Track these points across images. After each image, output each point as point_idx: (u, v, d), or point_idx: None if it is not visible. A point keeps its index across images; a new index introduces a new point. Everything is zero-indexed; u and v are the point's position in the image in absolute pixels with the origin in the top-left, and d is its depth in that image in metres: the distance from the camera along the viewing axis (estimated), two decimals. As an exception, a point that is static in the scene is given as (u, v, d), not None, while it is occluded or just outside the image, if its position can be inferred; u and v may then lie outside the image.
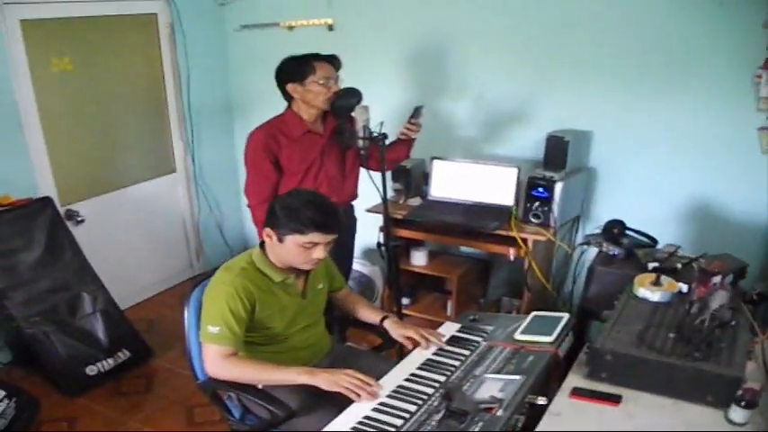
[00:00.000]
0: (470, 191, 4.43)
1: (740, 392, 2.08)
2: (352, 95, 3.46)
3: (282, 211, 2.59)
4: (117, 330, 4.38)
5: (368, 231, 4.23)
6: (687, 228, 4.18)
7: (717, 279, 2.71)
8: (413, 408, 2.28)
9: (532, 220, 4.13)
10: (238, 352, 2.58)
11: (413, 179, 4.64)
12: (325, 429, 2.22)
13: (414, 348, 2.80)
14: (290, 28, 5.13)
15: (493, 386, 2.32)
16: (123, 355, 4.35)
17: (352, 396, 2.36)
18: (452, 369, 2.56)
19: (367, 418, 2.25)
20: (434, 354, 2.72)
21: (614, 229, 3.67)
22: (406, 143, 3.79)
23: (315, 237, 2.57)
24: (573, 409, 2.23)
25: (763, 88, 3.74)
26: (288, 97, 3.58)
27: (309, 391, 2.52)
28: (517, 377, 2.35)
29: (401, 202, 4.62)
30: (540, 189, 4.07)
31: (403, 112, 3.90)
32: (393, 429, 2.17)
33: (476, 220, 4.22)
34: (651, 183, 4.25)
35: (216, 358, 2.55)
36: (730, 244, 3.57)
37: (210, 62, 5.57)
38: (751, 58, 3.74)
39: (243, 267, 2.67)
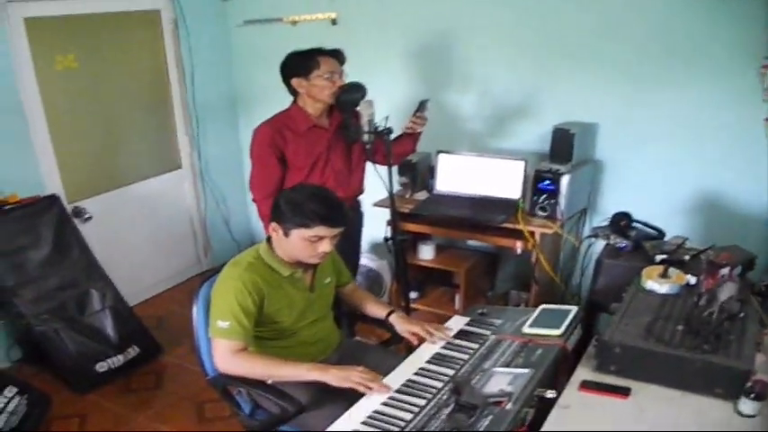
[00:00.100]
0: (477, 184, 4.43)
1: (750, 384, 2.08)
2: (357, 90, 3.45)
3: (287, 206, 2.59)
4: (126, 327, 4.40)
5: (375, 226, 4.23)
6: (694, 220, 4.17)
7: (725, 271, 2.70)
8: (422, 402, 2.29)
9: (539, 213, 4.12)
10: (248, 347, 2.58)
11: (419, 173, 4.64)
12: (334, 424, 2.23)
13: (419, 344, 2.81)
14: (294, 23, 5.13)
15: (502, 380, 2.32)
16: (133, 351, 4.37)
17: (363, 390, 2.37)
18: (461, 363, 2.57)
19: (377, 412, 2.26)
20: (443, 347, 2.72)
21: (621, 222, 3.67)
22: (411, 137, 3.78)
23: (320, 230, 2.57)
24: (582, 402, 2.23)
25: (770, 79, 3.73)
26: (293, 92, 3.58)
27: (319, 387, 2.52)
28: (526, 370, 2.36)
29: (408, 196, 4.63)
30: (547, 182, 4.06)
31: (408, 106, 3.89)
32: (403, 423, 2.18)
33: (482, 213, 4.22)
34: (657, 175, 4.24)
35: (226, 353, 2.55)
36: (738, 235, 3.56)
37: (214, 58, 5.58)
38: (757, 48, 3.71)
39: (250, 262, 2.67)
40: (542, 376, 2.33)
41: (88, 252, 4.43)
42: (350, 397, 2.38)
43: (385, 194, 3.65)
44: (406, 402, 2.30)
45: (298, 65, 3.49)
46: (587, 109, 4.31)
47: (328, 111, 3.63)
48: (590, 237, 3.99)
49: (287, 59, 3.55)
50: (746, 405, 2.09)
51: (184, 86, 5.37)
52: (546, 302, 3.03)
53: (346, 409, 2.31)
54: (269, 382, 2.61)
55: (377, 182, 3.60)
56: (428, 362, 2.60)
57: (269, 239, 2.75)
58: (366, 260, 5.05)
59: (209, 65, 5.51)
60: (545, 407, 2.22)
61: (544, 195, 4.09)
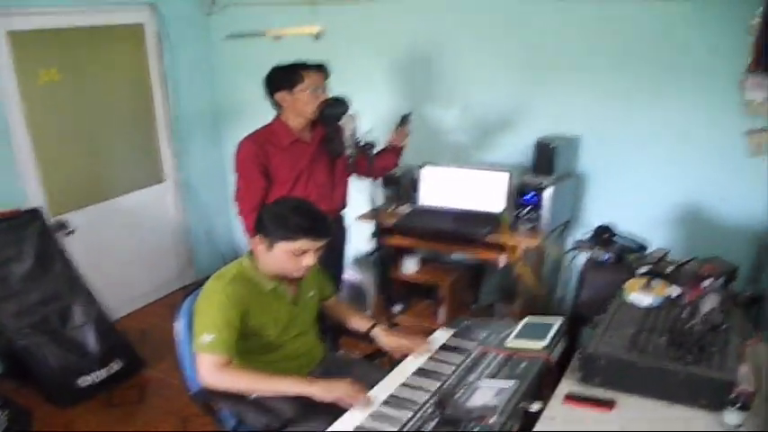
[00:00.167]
0: (460, 198, 4.44)
1: (734, 395, 2.09)
2: (340, 104, 3.47)
3: (271, 219, 2.59)
4: (109, 341, 4.37)
5: (359, 239, 4.23)
6: (676, 232, 4.19)
7: (707, 282, 2.72)
8: (407, 415, 2.28)
9: (522, 225, 4.14)
10: (233, 361, 2.57)
11: (402, 186, 4.65)
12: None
13: (402, 357, 2.80)
14: (277, 37, 5.12)
15: (486, 392, 2.32)
16: (115, 365, 4.33)
17: (348, 404, 2.36)
18: (446, 376, 2.56)
19: (361, 426, 2.26)
20: (428, 361, 2.71)
21: (604, 235, 3.69)
22: (394, 151, 3.80)
23: (304, 243, 2.57)
24: (567, 415, 2.24)
25: (749, 92, 3.76)
26: (277, 106, 3.58)
27: (304, 401, 2.51)
28: (511, 383, 2.36)
29: (391, 209, 4.63)
30: (530, 195, 4.08)
31: (391, 120, 3.91)
32: (388, 437, 2.17)
33: (466, 226, 4.23)
34: (640, 187, 4.27)
35: (211, 367, 2.54)
36: (720, 247, 3.58)
37: (198, 72, 5.57)
38: (736, 62, 3.76)
39: (234, 276, 2.67)
40: (527, 389, 2.33)
41: (71, 265, 4.40)
42: (335, 411, 2.37)
43: (368, 208, 3.65)
44: (390, 416, 2.29)
45: (282, 79, 3.50)
46: (570, 122, 4.34)
47: (311, 125, 3.63)
48: (573, 249, 4.01)
49: (271, 73, 3.56)
50: (731, 416, 2.10)
51: (168, 100, 5.36)
52: (530, 315, 3.04)
53: (331, 423, 2.30)
54: (253, 396, 2.60)
55: (360, 196, 3.61)
56: (413, 375, 2.60)
57: (252, 253, 2.74)
58: (350, 274, 5.04)
59: (193, 79, 5.51)
60: (530, 420, 2.22)
61: (527, 208, 4.11)
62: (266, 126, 3.63)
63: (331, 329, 3.23)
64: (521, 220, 4.14)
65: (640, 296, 2.76)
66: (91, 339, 4.28)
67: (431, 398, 2.39)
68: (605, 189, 4.40)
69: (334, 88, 3.59)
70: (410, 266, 4.72)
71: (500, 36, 4.40)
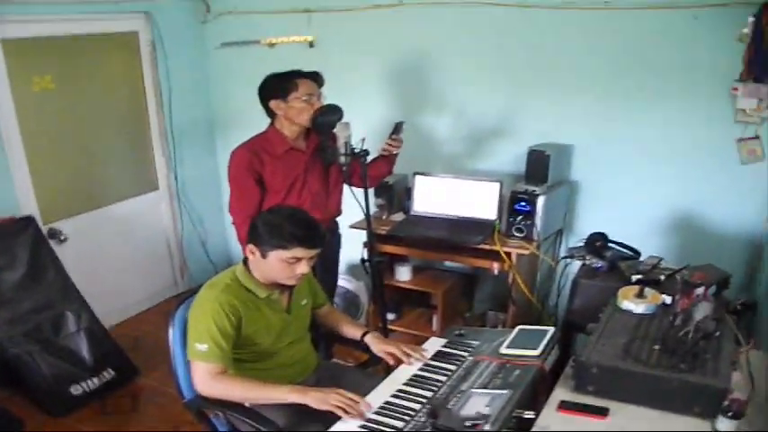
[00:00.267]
0: (453, 206, 4.44)
1: (727, 403, 2.09)
2: (334, 112, 3.47)
3: (265, 227, 2.59)
4: (101, 349, 4.36)
5: (352, 247, 4.22)
6: (669, 239, 4.21)
7: (700, 290, 2.72)
8: (399, 424, 2.28)
9: (515, 233, 4.14)
10: (227, 369, 2.57)
11: (396, 194, 4.65)
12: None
13: (395, 364, 2.80)
14: (271, 45, 5.14)
15: (479, 401, 2.32)
16: (108, 374, 4.32)
17: (341, 414, 2.35)
18: (439, 384, 2.56)
19: (355, 435, 2.26)
20: (421, 369, 2.71)
21: (597, 242, 3.70)
22: (387, 159, 3.80)
23: (298, 252, 2.57)
24: (560, 423, 2.23)
25: (740, 100, 3.78)
26: (271, 114, 3.58)
27: (296, 409, 2.51)
28: (504, 392, 2.36)
29: (384, 217, 4.63)
30: (523, 203, 4.09)
31: (384, 128, 3.91)
32: (381, 446, 2.17)
33: (459, 234, 4.23)
34: (633, 195, 4.28)
35: (205, 376, 2.54)
36: (713, 255, 3.60)
37: (192, 80, 5.57)
38: (727, 71, 3.79)
39: (227, 284, 2.66)
40: (520, 397, 2.33)
41: (64, 273, 4.39)
42: (328, 419, 2.37)
43: (362, 216, 3.65)
44: (383, 425, 2.29)
45: (276, 87, 3.50)
46: (563, 130, 4.35)
47: (305, 133, 3.63)
48: (566, 257, 4.01)
49: (265, 82, 3.56)
50: (724, 423, 2.10)
51: (162, 108, 5.35)
52: (523, 323, 3.04)
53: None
54: (247, 404, 2.60)
55: (354, 204, 3.61)
56: (406, 383, 2.59)
57: (245, 261, 2.74)
58: (343, 282, 5.04)
59: (187, 87, 5.51)
60: (523, 428, 2.22)
61: (520, 216, 4.11)
62: (260, 134, 3.62)
63: (324, 338, 3.23)
64: (514, 228, 4.13)
65: (634, 304, 2.76)
66: (84, 347, 4.26)
67: (424, 406, 2.38)
68: (598, 197, 4.41)
69: (328, 96, 3.59)
70: (403, 274, 4.72)
71: (493, 45, 4.42)
